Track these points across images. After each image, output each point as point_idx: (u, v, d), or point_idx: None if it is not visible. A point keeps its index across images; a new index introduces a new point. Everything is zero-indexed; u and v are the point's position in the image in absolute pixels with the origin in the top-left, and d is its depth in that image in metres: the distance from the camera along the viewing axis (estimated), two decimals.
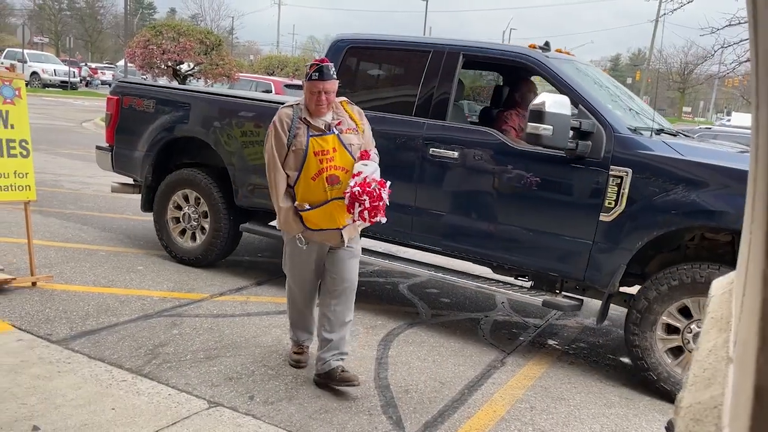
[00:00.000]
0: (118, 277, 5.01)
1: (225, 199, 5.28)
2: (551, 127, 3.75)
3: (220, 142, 5.24)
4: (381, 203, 3.23)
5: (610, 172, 3.87)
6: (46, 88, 30.55)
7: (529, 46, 4.48)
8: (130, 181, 6.07)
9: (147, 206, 5.79)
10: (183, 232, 5.56)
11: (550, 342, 4.74)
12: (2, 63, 28.75)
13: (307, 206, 3.33)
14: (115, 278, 4.98)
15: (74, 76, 33.45)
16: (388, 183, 3.29)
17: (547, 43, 4.60)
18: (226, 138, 5.21)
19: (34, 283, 4.57)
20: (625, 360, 4.50)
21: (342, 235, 3.43)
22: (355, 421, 3.20)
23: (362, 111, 3.54)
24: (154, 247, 5.93)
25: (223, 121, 5.23)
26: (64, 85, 31.81)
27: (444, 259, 5.01)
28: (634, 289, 4.21)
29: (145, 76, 22.75)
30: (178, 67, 16.89)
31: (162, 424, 2.89)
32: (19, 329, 3.78)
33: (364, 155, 3.33)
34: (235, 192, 5.22)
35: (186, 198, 5.53)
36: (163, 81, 28.39)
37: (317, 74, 3.27)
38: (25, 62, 26.95)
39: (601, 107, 4.05)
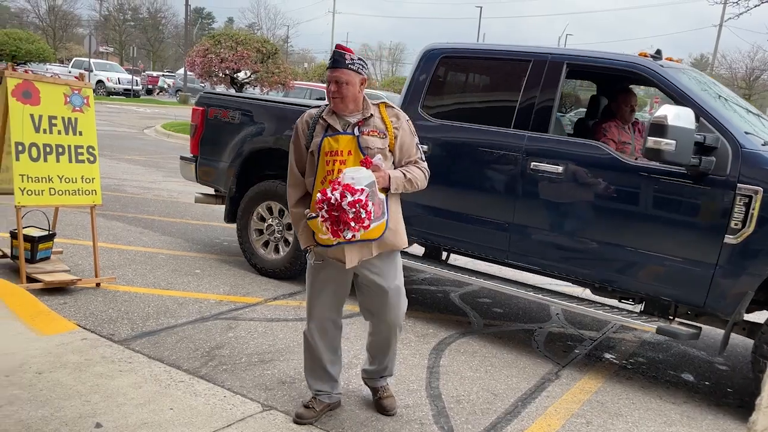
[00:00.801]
0: (177, 280, 5.15)
1: None
2: (674, 141, 3.49)
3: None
4: (346, 216, 2.70)
5: (738, 191, 3.58)
6: (110, 96, 31.77)
7: (640, 54, 4.21)
8: (213, 191, 6.13)
9: (230, 217, 5.74)
10: (266, 243, 5.52)
11: (607, 356, 4.62)
12: (70, 72, 30.11)
13: (314, 214, 2.87)
14: (173, 281, 5.12)
15: (136, 85, 34.68)
16: (365, 194, 2.73)
17: (658, 51, 4.29)
18: None
19: (98, 284, 4.74)
20: (687, 377, 4.34)
21: (354, 253, 2.96)
22: (406, 430, 3.19)
23: (405, 117, 3.07)
24: (211, 251, 6.08)
25: None
26: (127, 93, 33.04)
27: (497, 269, 4.95)
28: (757, 316, 3.94)
29: (203, 84, 23.38)
30: (235, 76, 17.29)
31: (218, 426, 2.95)
32: (84, 328, 3.93)
33: (366, 162, 2.87)
34: None
35: (270, 210, 5.47)
36: (220, 89, 29.16)
37: (330, 62, 2.94)
38: (91, 71, 28.12)
39: (725, 120, 3.76)
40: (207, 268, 5.57)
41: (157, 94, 40.45)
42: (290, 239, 5.36)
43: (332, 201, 2.68)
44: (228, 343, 4.01)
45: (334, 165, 2.89)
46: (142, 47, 60.73)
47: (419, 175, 3.06)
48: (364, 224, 2.74)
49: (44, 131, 4.54)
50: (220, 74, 17.23)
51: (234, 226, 5.83)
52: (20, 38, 29.58)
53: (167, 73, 48.45)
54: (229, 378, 3.53)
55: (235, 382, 3.48)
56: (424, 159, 3.13)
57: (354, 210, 2.69)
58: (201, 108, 5.87)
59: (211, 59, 16.86)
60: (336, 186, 2.71)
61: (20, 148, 4.42)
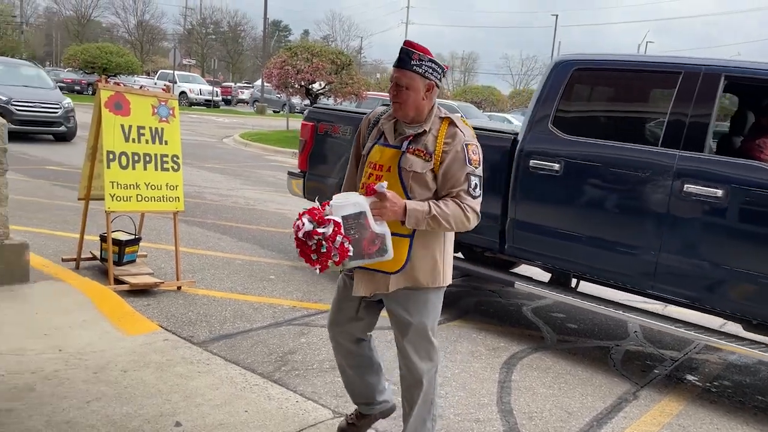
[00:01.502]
0: (252, 285, 5.29)
1: None
2: None
3: None
4: (306, 248, 2.36)
5: None
6: (192, 106, 33.16)
7: None
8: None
9: None
10: None
11: (689, 377, 4.40)
12: (156, 83, 31.64)
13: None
14: (249, 286, 5.27)
15: (216, 96, 36.04)
16: (331, 227, 2.32)
17: None
18: None
19: (179, 288, 4.94)
20: None
21: (364, 282, 2.60)
22: None
23: (464, 140, 2.49)
24: (285, 258, 6.22)
25: None
26: (208, 104, 34.39)
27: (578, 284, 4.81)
28: None
29: (279, 96, 24.03)
30: (310, 87, 17.69)
31: (290, 430, 3.00)
32: (166, 329, 4.10)
33: (368, 188, 2.42)
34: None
35: None
36: (295, 100, 29.86)
37: (396, 60, 2.51)
38: (175, 83, 29.44)
39: None
40: (281, 275, 5.70)
41: (236, 104, 41.88)
42: None
43: (298, 233, 2.35)
44: (300, 349, 4.08)
45: (370, 178, 2.56)
46: (222, 59, 63.15)
47: (454, 213, 2.44)
48: (334, 259, 2.34)
49: (133, 140, 4.79)
50: (296, 85, 17.66)
51: None
52: (111, 52, 31.38)
53: (245, 84, 50.10)
54: (301, 383, 3.59)
55: (307, 388, 3.54)
56: (475, 196, 2.50)
57: (314, 242, 2.32)
58: (310, 123, 5.81)
59: (288, 71, 17.32)
60: (303, 213, 2.38)
61: (111, 156, 4.68)
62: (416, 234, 2.51)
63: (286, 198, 9.72)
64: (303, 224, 2.32)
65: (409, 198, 2.47)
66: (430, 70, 2.49)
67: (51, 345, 3.55)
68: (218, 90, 37.91)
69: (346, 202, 2.40)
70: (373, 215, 2.39)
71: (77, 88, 36.53)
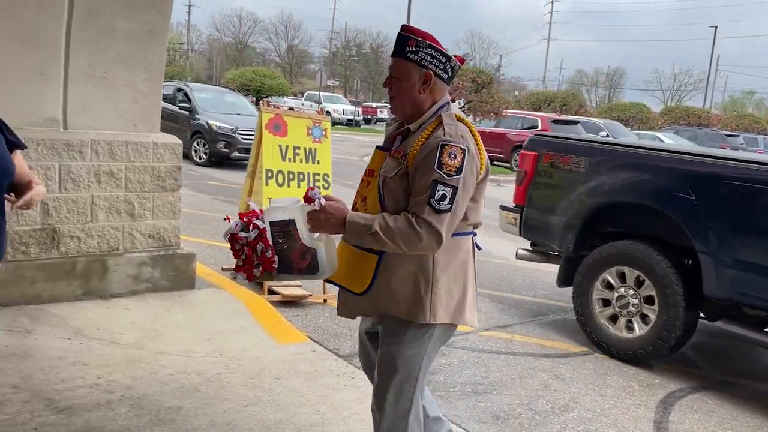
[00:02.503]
0: None
1: (684, 284, 4.25)
2: None
3: (691, 216, 4.19)
4: (234, 252, 2.19)
5: None
6: (335, 126, 34.62)
7: None
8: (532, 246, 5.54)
9: (565, 281, 5.05)
10: (613, 318, 4.64)
11: None
12: (303, 104, 33.44)
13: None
14: None
15: (358, 115, 37.37)
16: (255, 233, 2.15)
17: None
18: (701, 211, 4.15)
19: (325, 300, 5.14)
20: None
21: (345, 302, 2.33)
22: None
23: (442, 139, 2.01)
24: None
25: (699, 189, 4.17)
26: (350, 123, 35.74)
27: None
28: None
29: None
30: None
31: None
32: (313, 341, 4.26)
33: (305, 197, 2.12)
34: (706, 279, 4.12)
35: (622, 277, 4.58)
36: None
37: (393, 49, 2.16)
38: (321, 103, 30.95)
39: None
40: None
41: (375, 123, 43.18)
42: (650, 315, 4.41)
43: (235, 239, 2.18)
44: (442, 370, 4.07)
45: (361, 186, 2.27)
46: (364, 80, 65.45)
47: (402, 231, 1.98)
48: (257, 268, 2.16)
49: (289, 160, 5.08)
50: None
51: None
52: (264, 75, 33.62)
53: (385, 104, 51.46)
54: (443, 405, 3.57)
55: (449, 410, 3.51)
56: (439, 209, 1.98)
57: (238, 247, 2.15)
58: (532, 153, 5.20)
59: None
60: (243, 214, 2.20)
61: (269, 174, 4.99)
62: (388, 254, 2.10)
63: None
64: (232, 226, 2.16)
65: (383, 209, 2.09)
66: (429, 58, 2.08)
67: (213, 349, 3.82)
68: (359, 110, 39.29)
69: (278, 207, 2.14)
70: (308, 225, 2.12)
71: None
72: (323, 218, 2.07)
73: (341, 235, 2.12)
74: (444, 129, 2.03)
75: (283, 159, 5.05)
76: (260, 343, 4.02)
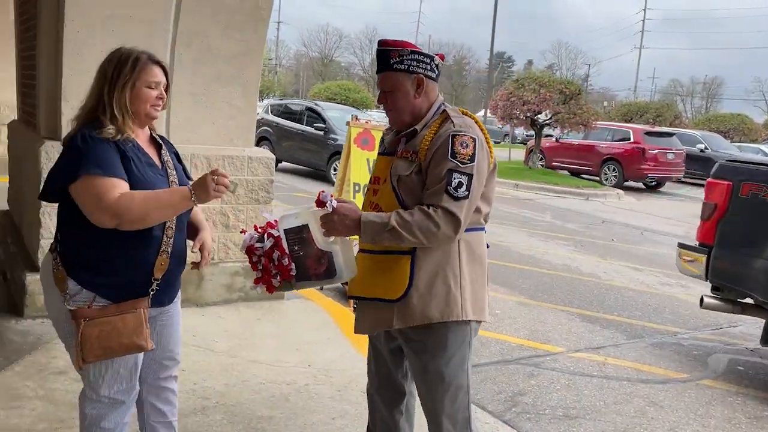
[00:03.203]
0: None
1: None
2: None
3: None
4: (252, 265, 2.16)
5: None
6: None
7: None
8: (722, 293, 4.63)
9: None
10: None
11: None
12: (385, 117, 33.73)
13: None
14: None
15: None
16: (271, 243, 2.11)
17: None
18: None
19: None
20: None
21: (366, 317, 2.26)
22: None
23: (452, 130, 2.06)
24: (511, 293, 6.12)
25: None
26: None
27: None
28: None
29: (500, 126, 24.12)
30: (535, 117, 17.47)
31: None
32: None
33: (317, 201, 2.10)
34: None
35: None
36: (520, 131, 29.70)
37: (377, 67, 2.21)
38: None
39: None
40: (507, 310, 5.61)
41: None
42: None
43: (253, 252, 2.16)
44: (530, 391, 3.95)
45: (369, 194, 2.27)
46: (447, 92, 65.38)
47: (420, 223, 1.99)
48: (276, 278, 2.12)
49: None
50: (521, 116, 17.56)
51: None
52: (349, 89, 34.27)
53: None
54: (533, 428, 3.46)
55: None
56: (457, 196, 2.01)
57: (255, 258, 2.12)
58: (725, 182, 4.43)
59: (514, 102, 17.30)
60: (268, 235, 2.14)
61: (357, 188, 5.05)
62: (418, 250, 2.08)
63: (508, 230, 9.63)
64: (246, 238, 2.14)
65: (405, 209, 2.07)
66: (415, 63, 2.12)
67: (302, 359, 3.89)
68: None
69: (290, 214, 2.14)
70: (322, 230, 2.09)
71: None
72: (337, 220, 2.05)
73: (363, 248, 2.15)
74: (452, 121, 2.09)
75: (371, 173, 5.09)
76: (347, 356, 4.05)
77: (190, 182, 2.14)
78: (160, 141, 2.23)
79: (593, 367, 4.46)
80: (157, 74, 2.08)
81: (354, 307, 2.41)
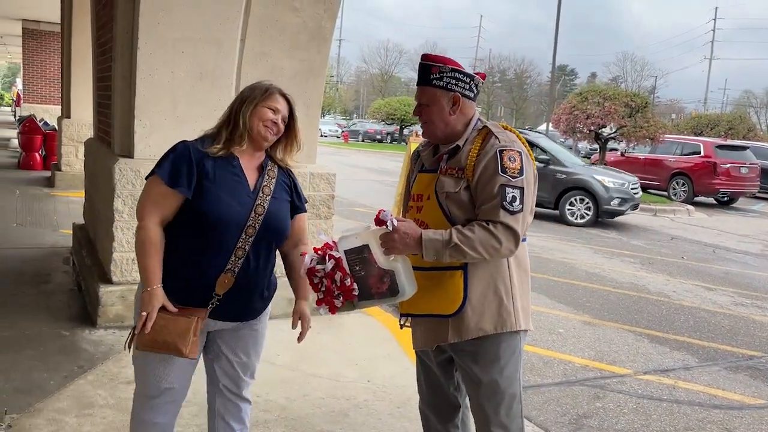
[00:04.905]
0: (541, 337, 5.17)
1: None
2: None
3: None
4: (314, 287, 2.15)
5: None
6: None
7: None
8: None
9: None
10: None
11: None
12: None
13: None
14: (537, 337, 5.15)
15: None
16: (332, 264, 2.09)
17: None
18: None
19: None
20: None
21: (422, 332, 2.30)
22: None
23: (499, 145, 2.10)
24: (574, 311, 5.96)
25: None
26: None
27: None
28: None
29: (563, 139, 23.66)
30: (600, 131, 17.04)
31: None
32: None
33: (375, 220, 2.09)
34: None
35: None
36: (583, 144, 29.02)
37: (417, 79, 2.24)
38: None
39: None
40: (570, 329, 5.47)
41: None
42: None
43: (314, 275, 2.14)
44: (596, 414, 3.82)
45: (409, 212, 2.30)
46: (507, 106, 64.78)
47: (482, 239, 2.02)
48: (338, 299, 2.10)
49: None
50: (585, 130, 17.17)
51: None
52: (408, 104, 34.45)
53: (527, 129, 50.50)
54: None
55: None
56: (513, 211, 2.05)
57: (317, 280, 2.12)
58: None
59: (577, 115, 16.95)
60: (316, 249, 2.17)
61: None
62: (470, 265, 2.11)
63: (570, 246, 9.41)
64: (307, 261, 2.13)
65: (453, 224, 2.09)
66: (454, 81, 2.16)
67: (361, 374, 3.89)
68: None
69: (350, 234, 2.13)
70: (382, 248, 2.08)
71: (378, 137, 40.85)
72: (397, 239, 2.05)
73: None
74: (497, 137, 2.12)
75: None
76: (406, 372, 4.03)
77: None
78: (275, 170, 2.28)
79: (663, 391, 4.28)
80: (280, 102, 2.22)
81: (402, 324, 2.43)
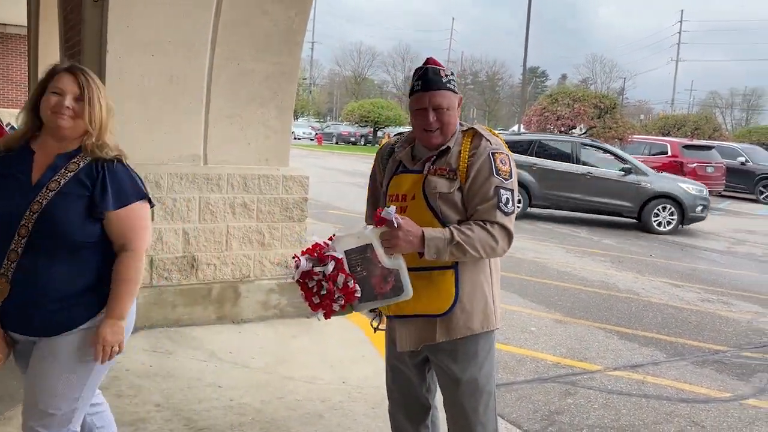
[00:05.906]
0: (513, 336, 5.24)
1: None
2: None
3: None
4: (307, 291, 2.11)
5: None
6: None
7: None
8: None
9: None
10: None
11: None
12: None
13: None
14: (510, 336, 5.22)
15: None
16: (332, 265, 2.05)
17: None
18: None
19: None
20: None
21: (409, 333, 2.24)
22: None
23: (490, 148, 2.14)
24: (546, 310, 6.05)
25: None
26: None
27: None
28: None
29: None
30: (570, 132, 17.33)
31: None
32: None
33: (376, 218, 2.04)
34: None
35: None
36: None
37: (420, 83, 2.16)
38: None
39: None
40: (542, 327, 5.55)
41: None
42: None
43: (309, 278, 2.09)
44: (567, 410, 3.89)
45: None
46: (479, 108, 65.30)
47: (480, 238, 2.06)
48: (339, 302, 2.06)
49: None
50: (555, 131, 17.44)
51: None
52: (382, 106, 34.54)
53: (500, 131, 50.98)
54: None
55: None
56: (507, 212, 2.10)
57: (314, 283, 2.05)
58: None
59: (548, 117, 17.21)
60: (304, 251, 2.12)
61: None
62: (460, 264, 2.12)
63: (544, 246, 9.54)
64: (301, 263, 2.05)
65: (443, 225, 2.09)
66: (454, 83, 2.20)
67: (337, 376, 3.91)
68: None
69: (350, 234, 2.07)
70: (384, 247, 2.04)
71: (352, 139, 40.87)
72: (402, 237, 2.01)
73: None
74: (488, 140, 2.17)
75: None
76: (381, 373, 4.00)
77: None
78: (83, 163, 1.99)
79: (632, 386, 4.37)
80: (64, 80, 1.98)
81: (375, 327, 2.41)
